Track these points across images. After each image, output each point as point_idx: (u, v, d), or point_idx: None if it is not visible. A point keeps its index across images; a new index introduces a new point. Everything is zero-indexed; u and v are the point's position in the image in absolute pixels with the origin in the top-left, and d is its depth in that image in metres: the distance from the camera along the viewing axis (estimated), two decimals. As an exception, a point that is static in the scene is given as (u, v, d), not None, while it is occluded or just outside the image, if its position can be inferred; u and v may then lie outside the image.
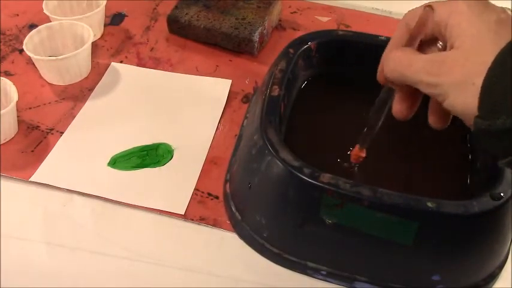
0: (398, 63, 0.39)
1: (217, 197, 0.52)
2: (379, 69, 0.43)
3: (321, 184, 0.42)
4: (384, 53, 0.42)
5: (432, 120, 0.41)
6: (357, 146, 0.47)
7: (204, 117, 0.60)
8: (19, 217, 0.51)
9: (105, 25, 0.72)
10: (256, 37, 0.66)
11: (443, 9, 0.37)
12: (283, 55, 0.54)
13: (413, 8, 0.41)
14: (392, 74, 0.39)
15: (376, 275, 0.45)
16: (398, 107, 0.42)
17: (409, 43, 0.40)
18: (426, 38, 0.40)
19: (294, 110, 0.53)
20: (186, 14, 0.70)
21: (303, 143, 0.51)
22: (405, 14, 0.42)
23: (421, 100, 0.42)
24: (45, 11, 0.66)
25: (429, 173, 0.51)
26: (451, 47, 0.36)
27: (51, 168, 0.54)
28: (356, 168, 0.49)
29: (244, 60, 0.68)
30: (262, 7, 0.70)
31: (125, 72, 0.66)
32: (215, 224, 0.50)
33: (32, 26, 0.68)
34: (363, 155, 0.47)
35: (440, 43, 0.39)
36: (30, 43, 0.62)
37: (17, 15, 0.74)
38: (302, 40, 0.56)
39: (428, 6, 0.38)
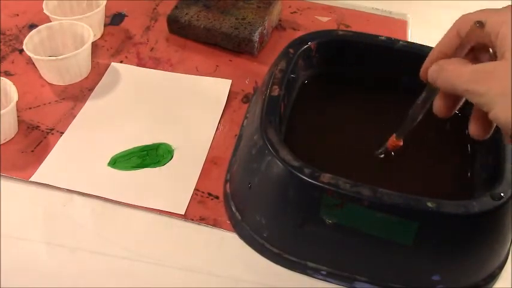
0: (448, 74, 0.39)
1: (217, 197, 0.52)
2: (423, 67, 0.43)
3: (321, 184, 0.42)
4: (431, 53, 0.42)
5: (473, 129, 0.40)
6: (394, 136, 0.48)
7: (204, 117, 0.60)
8: (19, 217, 0.51)
9: (105, 25, 0.72)
10: (256, 37, 0.66)
11: (496, 19, 0.37)
12: (283, 55, 0.54)
13: (467, 13, 0.40)
14: (442, 86, 0.40)
15: (376, 275, 0.45)
16: (440, 105, 0.42)
17: (459, 51, 0.40)
18: (477, 45, 0.40)
19: (294, 110, 0.53)
20: (186, 14, 0.70)
21: (303, 143, 0.51)
22: (457, 19, 0.41)
23: (462, 102, 0.42)
24: (45, 11, 0.66)
25: (429, 172, 0.51)
26: (502, 58, 0.36)
27: (51, 168, 0.54)
28: (392, 154, 0.50)
29: (244, 60, 0.68)
30: (262, 7, 0.70)
31: (125, 72, 0.66)
32: (215, 224, 0.50)
33: (32, 26, 0.68)
34: (400, 143, 0.49)
35: (491, 51, 0.39)
36: (30, 43, 0.62)
37: (17, 15, 0.74)
38: (302, 40, 0.56)
39: (479, 23, 0.38)
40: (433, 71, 0.40)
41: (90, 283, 0.46)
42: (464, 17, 0.40)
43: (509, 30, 0.36)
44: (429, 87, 0.43)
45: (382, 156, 0.50)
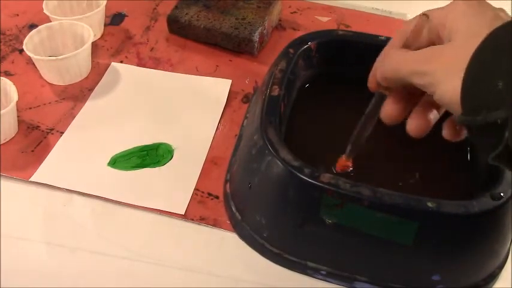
0: (393, 60, 0.39)
1: (217, 197, 0.52)
2: (371, 75, 0.44)
3: (321, 184, 0.42)
4: (378, 58, 0.43)
5: (446, 133, 0.40)
6: (344, 156, 0.47)
7: (204, 117, 0.60)
8: (19, 217, 0.51)
9: (105, 25, 0.72)
10: (256, 37, 0.66)
11: (441, 13, 0.38)
12: (283, 55, 0.54)
13: (409, 19, 0.41)
14: (387, 73, 0.40)
15: (376, 275, 0.45)
16: (389, 109, 0.42)
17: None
18: (423, 45, 0.40)
19: (294, 110, 0.53)
20: (186, 14, 0.70)
21: (303, 143, 0.51)
22: (404, 22, 0.42)
23: (411, 106, 0.42)
24: (45, 11, 0.66)
25: (429, 172, 0.51)
26: (448, 41, 0.37)
27: (51, 168, 0.54)
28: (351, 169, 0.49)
29: (244, 60, 0.68)
30: (262, 7, 0.70)
31: (124, 72, 0.66)
32: (215, 224, 0.50)
33: (32, 26, 0.68)
34: (349, 164, 0.48)
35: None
36: (30, 43, 0.62)
37: (17, 15, 0.74)
38: (302, 40, 0.56)
39: (424, 15, 0.39)
40: (379, 64, 0.41)
41: (90, 283, 0.46)
42: (410, 21, 0.41)
43: (455, 15, 0.36)
44: (377, 96, 0.43)
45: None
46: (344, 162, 0.48)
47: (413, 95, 0.41)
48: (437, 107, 0.40)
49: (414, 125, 0.41)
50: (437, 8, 0.39)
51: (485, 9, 0.36)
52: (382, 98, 0.43)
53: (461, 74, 0.33)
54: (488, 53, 0.32)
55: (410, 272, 0.44)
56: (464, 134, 0.40)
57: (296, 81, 0.55)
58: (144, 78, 0.65)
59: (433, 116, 0.41)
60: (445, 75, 0.35)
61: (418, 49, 0.39)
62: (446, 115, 0.41)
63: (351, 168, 0.48)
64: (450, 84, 0.34)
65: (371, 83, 0.44)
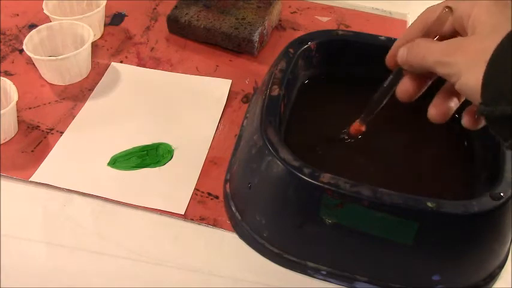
0: (419, 49, 0.41)
1: (217, 197, 0.52)
2: (390, 54, 0.45)
3: (321, 184, 0.42)
4: (400, 39, 0.45)
5: (465, 121, 0.42)
6: (358, 121, 0.49)
7: (204, 117, 0.60)
8: (19, 217, 0.51)
9: (105, 25, 0.72)
10: (256, 37, 0.66)
11: (466, 3, 0.39)
12: (283, 55, 0.54)
13: (433, 5, 0.43)
14: (412, 60, 0.41)
15: (376, 275, 0.45)
16: (406, 87, 0.44)
17: (425, 37, 0.42)
18: (444, 33, 0.42)
19: (294, 110, 0.53)
20: (186, 14, 0.70)
21: (303, 143, 0.51)
22: (424, 10, 0.43)
23: (426, 86, 0.44)
24: (45, 11, 0.66)
25: (429, 172, 0.51)
26: (472, 34, 0.38)
27: (51, 168, 0.54)
28: (352, 141, 0.51)
29: (244, 60, 0.68)
30: (262, 7, 0.70)
31: (125, 72, 0.66)
32: (215, 224, 0.50)
33: (32, 26, 0.68)
34: (363, 129, 0.49)
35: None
36: (30, 43, 0.62)
37: (17, 15, 0.74)
38: (302, 40, 0.56)
39: (448, 8, 0.40)
40: (404, 50, 0.42)
41: (90, 283, 0.46)
42: (431, 9, 0.43)
43: (480, 10, 0.38)
44: (396, 72, 0.45)
45: (346, 140, 0.51)
46: (358, 126, 0.49)
47: (429, 76, 0.43)
48: (457, 95, 0.42)
49: (435, 112, 0.42)
50: (462, 1, 0.40)
51: (509, 7, 0.38)
52: (399, 75, 0.44)
53: (484, 66, 0.34)
54: (510, 47, 0.34)
55: (410, 272, 0.44)
56: (482, 123, 0.41)
57: (296, 81, 0.55)
58: (144, 78, 0.65)
59: (454, 103, 0.42)
60: (467, 66, 0.36)
61: (438, 36, 0.41)
62: (465, 104, 0.42)
63: (360, 135, 0.49)
64: (472, 75, 0.35)
65: (389, 62, 0.46)
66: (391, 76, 0.45)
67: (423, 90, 0.44)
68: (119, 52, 0.69)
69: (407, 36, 0.44)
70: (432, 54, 0.39)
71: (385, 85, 0.46)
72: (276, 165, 0.44)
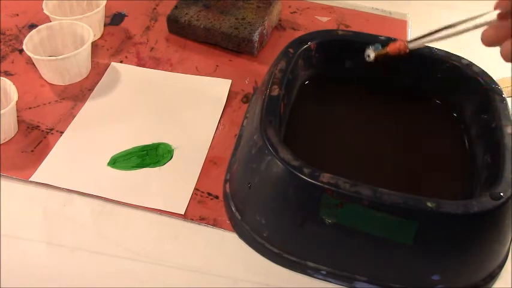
0: None
1: (217, 197, 0.52)
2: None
3: (320, 184, 0.42)
4: None
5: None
6: (406, 41, 0.48)
7: (204, 117, 0.60)
8: (19, 217, 0.51)
9: (105, 25, 0.72)
10: (256, 37, 0.66)
11: None
12: (283, 55, 0.54)
13: None
14: None
15: (376, 274, 0.45)
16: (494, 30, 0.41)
17: None
18: None
19: (294, 110, 0.53)
20: (186, 14, 0.70)
21: (303, 143, 0.51)
22: None
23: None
24: (45, 11, 0.66)
25: (429, 172, 0.51)
26: None
27: (51, 168, 0.54)
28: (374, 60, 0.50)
29: (244, 60, 0.68)
30: (262, 7, 0.70)
31: (124, 72, 0.66)
32: (215, 223, 0.50)
33: (32, 26, 0.68)
34: (407, 50, 0.48)
35: None
36: (30, 43, 0.62)
37: (17, 15, 0.74)
38: (302, 40, 0.56)
39: None
40: None
41: (90, 283, 0.46)
42: None
43: None
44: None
45: (372, 59, 0.50)
46: (404, 46, 0.48)
47: None
48: None
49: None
50: None
51: None
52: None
53: None
54: None
55: (410, 271, 0.44)
56: None
57: (296, 81, 0.55)
58: (144, 78, 0.65)
59: None
60: None
61: None
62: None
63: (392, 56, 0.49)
64: None
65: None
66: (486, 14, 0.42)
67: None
68: (119, 52, 0.69)
69: None
70: None
71: (474, 20, 0.43)
72: (275, 165, 0.44)
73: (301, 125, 0.53)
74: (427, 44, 0.47)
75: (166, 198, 0.52)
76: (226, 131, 0.59)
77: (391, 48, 0.49)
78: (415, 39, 0.48)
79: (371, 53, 0.51)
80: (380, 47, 0.50)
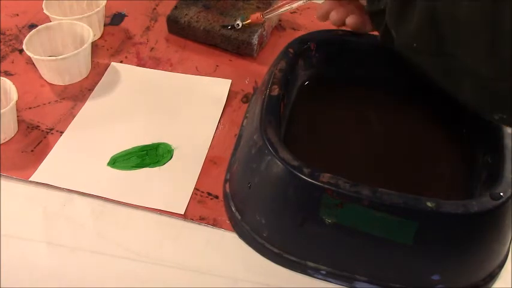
0: None
1: (217, 197, 0.52)
2: None
3: (320, 184, 0.42)
4: None
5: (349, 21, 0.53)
6: (263, 13, 0.64)
7: (204, 117, 0.60)
8: (19, 217, 0.51)
9: (105, 25, 0.72)
10: (255, 40, 0.66)
11: None
12: (283, 55, 0.54)
13: None
14: None
15: (376, 274, 0.45)
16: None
17: None
18: None
19: (293, 110, 0.53)
20: (186, 14, 0.70)
21: (303, 143, 0.51)
22: None
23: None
24: (45, 11, 0.66)
25: (429, 172, 0.51)
26: None
27: (51, 168, 0.54)
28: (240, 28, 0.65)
29: (244, 60, 0.68)
30: (262, 8, 0.70)
31: (124, 72, 0.66)
32: (215, 223, 0.50)
33: (32, 26, 0.68)
34: (263, 20, 0.65)
35: None
36: (30, 43, 0.63)
37: (17, 15, 0.74)
38: (302, 40, 0.56)
39: None
40: None
41: (90, 283, 0.46)
42: None
43: None
44: None
45: (234, 27, 0.66)
46: (260, 15, 0.64)
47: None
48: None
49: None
50: None
51: None
52: None
53: None
54: None
55: (410, 271, 0.44)
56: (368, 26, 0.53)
57: (296, 81, 0.55)
58: (144, 78, 0.65)
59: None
60: None
61: None
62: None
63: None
64: None
65: None
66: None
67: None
68: (119, 52, 0.69)
69: None
70: None
71: None
72: (275, 165, 0.44)
73: (301, 125, 0.53)
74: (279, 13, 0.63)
75: (166, 198, 0.52)
76: (226, 130, 0.59)
77: (252, 18, 0.65)
78: (269, 11, 0.64)
79: (240, 22, 0.66)
80: (245, 18, 0.66)
